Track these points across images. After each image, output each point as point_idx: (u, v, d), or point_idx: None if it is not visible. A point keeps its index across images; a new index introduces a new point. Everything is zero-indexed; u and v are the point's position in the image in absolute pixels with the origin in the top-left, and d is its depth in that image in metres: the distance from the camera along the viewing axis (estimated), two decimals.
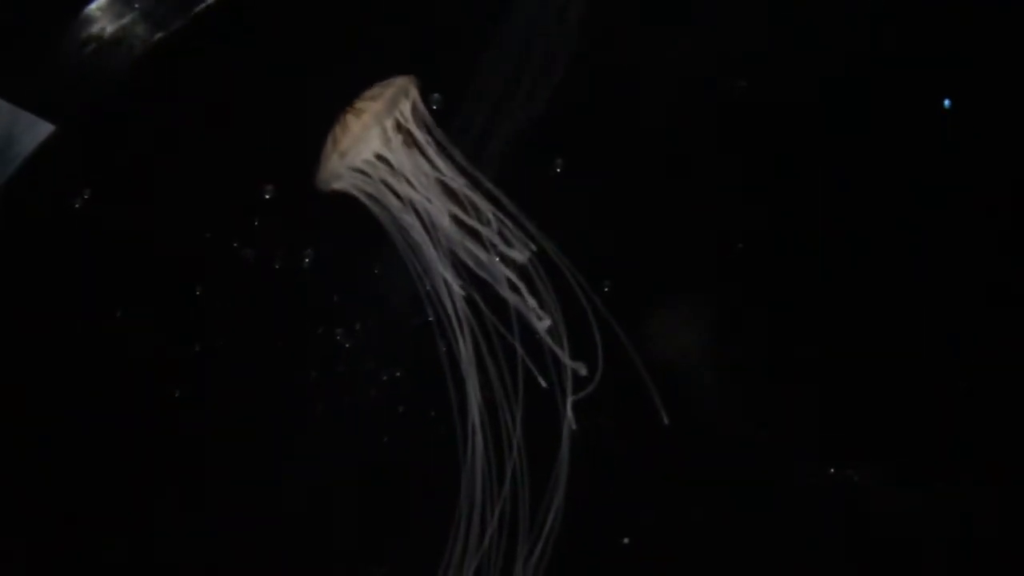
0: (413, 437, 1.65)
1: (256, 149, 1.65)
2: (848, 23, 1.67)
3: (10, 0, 1.61)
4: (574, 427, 1.54)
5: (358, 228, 1.60)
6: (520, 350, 1.53)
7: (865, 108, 1.67)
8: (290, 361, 1.68)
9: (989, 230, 1.64)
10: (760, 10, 1.68)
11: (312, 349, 1.67)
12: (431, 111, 1.56)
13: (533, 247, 1.55)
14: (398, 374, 1.67)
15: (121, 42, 1.61)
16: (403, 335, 1.67)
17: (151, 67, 1.63)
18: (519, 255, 1.54)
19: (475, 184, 1.55)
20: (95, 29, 1.61)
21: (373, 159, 1.54)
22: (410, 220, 1.55)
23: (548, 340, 1.52)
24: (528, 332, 1.55)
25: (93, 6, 1.59)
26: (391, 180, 1.54)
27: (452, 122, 1.59)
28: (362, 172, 1.54)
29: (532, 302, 1.53)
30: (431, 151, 1.54)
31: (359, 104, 1.52)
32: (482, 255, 1.54)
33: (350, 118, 1.51)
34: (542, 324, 1.53)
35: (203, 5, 1.59)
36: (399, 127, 1.53)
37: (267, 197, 1.65)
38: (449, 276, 1.55)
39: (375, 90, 1.53)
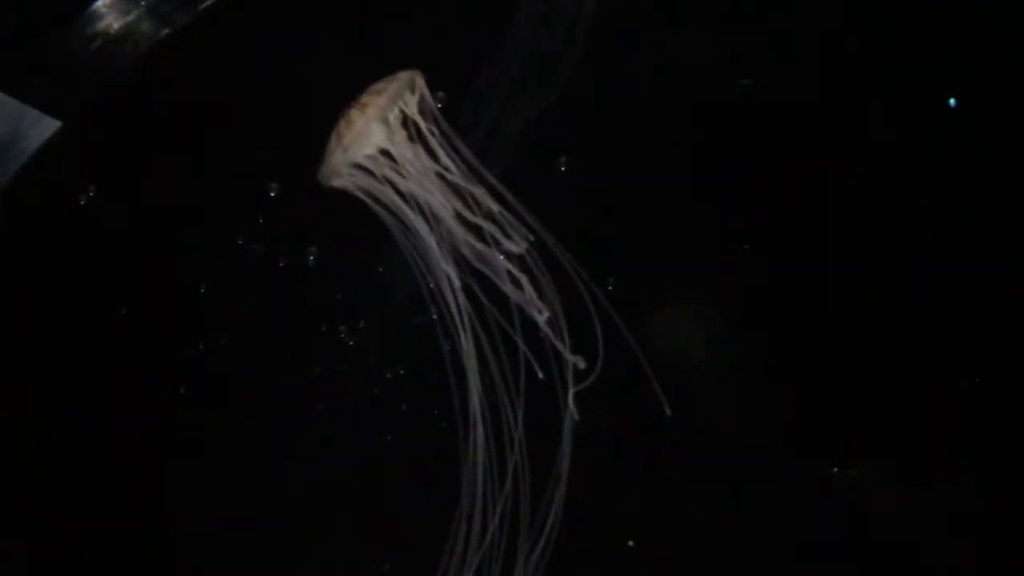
0: (416, 435, 1.66)
1: (261, 147, 1.65)
2: (851, 23, 1.68)
3: None
4: (577, 418, 1.54)
5: (362, 226, 1.61)
6: (522, 345, 1.54)
7: (867, 108, 1.67)
8: (293, 359, 1.68)
9: (989, 230, 1.64)
10: (763, 9, 1.68)
11: (315, 347, 1.67)
12: (437, 107, 1.57)
13: (532, 238, 1.55)
14: (401, 372, 1.67)
15: (127, 39, 1.61)
16: (406, 333, 1.67)
17: (157, 64, 1.63)
18: (518, 246, 1.54)
19: (479, 180, 1.55)
20: (101, 26, 1.61)
21: (377, 154, 1.54)
22: (413, 216, 1.55)
23: (549, 333, 1.53)
24: (530, 328, 1.55)
25: (99, 3, 1.59)
26: (395, 176, 1.55)
27: (457, 119, 1.59)
28: (366, 168, 1.55)
29: (533, 295, 1.53)
30: (435, 146, 1.54)
31: (363, 99, 1.52)
32: (484, 250, 1.55)
33: (354, 113, 1.52)
34: (542, 317, 1.54)
35: (209, 2, 1.60)
36: (404, 122, 1.53)
37: (272, 195, 1.65)
38: (452, 272, 1.55)
39: (380, 85, 1.53)
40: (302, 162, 1.59)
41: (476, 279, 1.57)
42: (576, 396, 1.55)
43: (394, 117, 1.52)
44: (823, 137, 1.67)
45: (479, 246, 1.55)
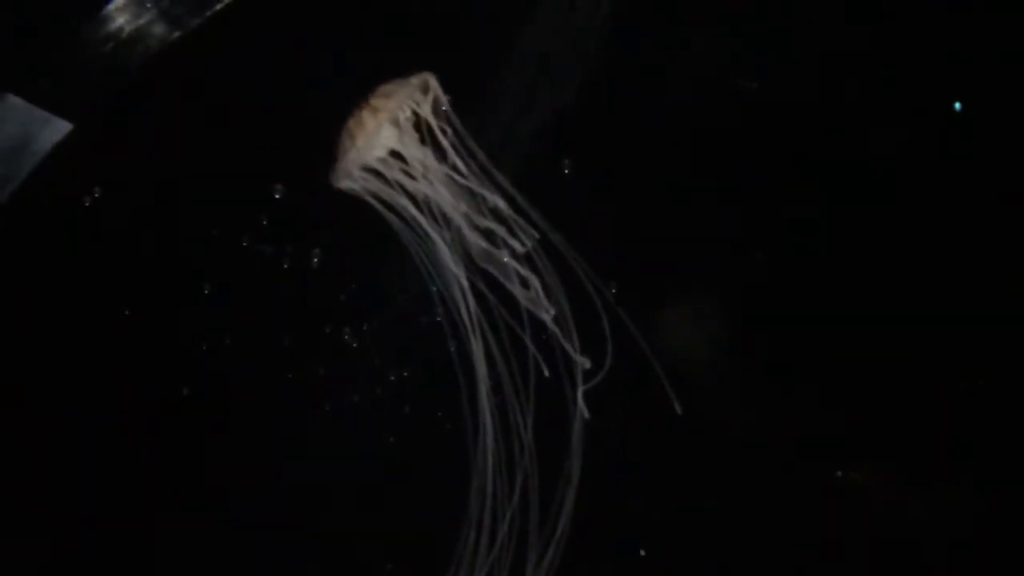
0: (420, 437, 1.66)
1: (267, 148, 1.65)
2: (856, 23, 1.69)
3: None
4: (586, 416, 1.55)
5: (366, 227, 1.61)
6: (530, 345, 1.55)
7: (867, 109, 1.68)
8: (297, 360, 1.68)
9: (989, 230, 1.65)
10: (764, 9, 1.69)
11: (320, 348, 1.68)
12: (446, 109, 1.57)
13: (537, 236, 1.56)
14: (405, 374, 1.67)
15: (138, 41, 1.62)
16: (410, 335, 1.68)
17: (168, 66, 1.64)
18: (523, 243, 1.55)
19: (487, 182, 1.57)
20: (113, 28, 1.62)
21: (387, 156, 1.55)
22: (421, 217, 1.56)
23: (557, 332, 1.54)
24: (537, 329, 1.56)
25: (111, 5, 1.60)
26: (404, 177, 1.56)
27: (466, 122, 1.59)
28: (376, 169, 1.56)
29: (541, 295, 1.54)
30: (446, 148, 1.55)
31: (375, 101, 1.53)
32: (492, 251, 1.56)
33: (366, 114, 1.52)
34: (548, 315, 1.54)
35: (220, 5, 1.61)
36: (415, 124, 1.54)
37: (277, 196, 1.66)
38: (459, 273, 1.56)
39: (391, 87, 1.54)
40: (307, 164, 1.60)
41: (484, 280, 1.57)
42: (585, 395, 1.55)
43: (406, 119, 1.53)
44: (823, 137, 1.68)
45: (487, 247, 1.56)
